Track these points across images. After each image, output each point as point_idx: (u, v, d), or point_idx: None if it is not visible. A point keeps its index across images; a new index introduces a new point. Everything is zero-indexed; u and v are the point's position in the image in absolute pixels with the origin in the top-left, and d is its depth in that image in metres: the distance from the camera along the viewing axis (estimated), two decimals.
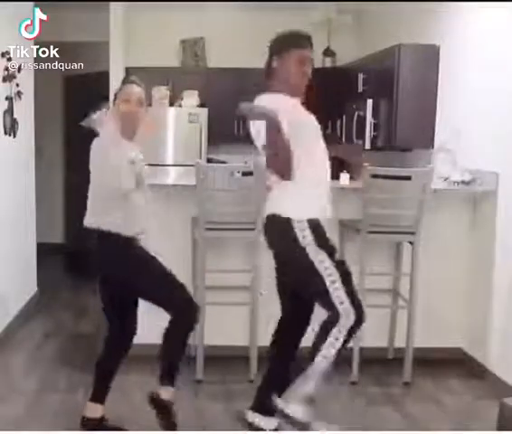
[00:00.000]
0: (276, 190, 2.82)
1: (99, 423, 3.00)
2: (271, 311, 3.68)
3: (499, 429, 2.53)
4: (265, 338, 3.72)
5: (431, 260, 3.90)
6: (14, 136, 4.68)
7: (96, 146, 2.82)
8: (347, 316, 2.65)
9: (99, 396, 3.02)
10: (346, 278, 2.71)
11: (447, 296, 4.09)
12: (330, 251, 2.73)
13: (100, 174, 2.80)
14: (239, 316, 3.89)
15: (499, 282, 3.80)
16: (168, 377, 2.89)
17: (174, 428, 2.86)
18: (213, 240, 3.75)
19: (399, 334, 4.01)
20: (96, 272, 2.99)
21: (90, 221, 2.88)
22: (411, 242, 3.77)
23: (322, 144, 2.80)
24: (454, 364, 4.05)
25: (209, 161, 5.96)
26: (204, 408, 3.41)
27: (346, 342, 2.69)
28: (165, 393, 2.85)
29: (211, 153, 6.28)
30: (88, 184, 2.89)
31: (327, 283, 2.66)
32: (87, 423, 3.00)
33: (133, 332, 3.05)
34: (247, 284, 3.75)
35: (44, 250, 5.74)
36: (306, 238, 2.68)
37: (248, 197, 3.59)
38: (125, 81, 2.97)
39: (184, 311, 2.87)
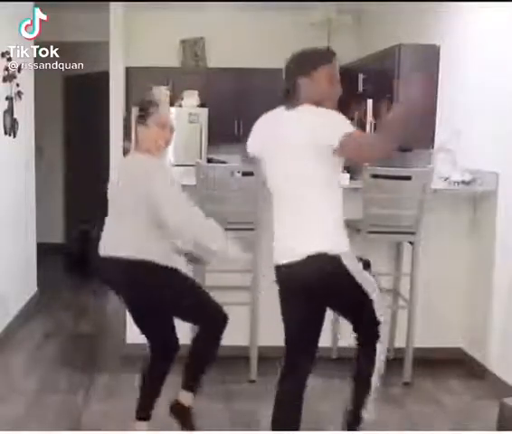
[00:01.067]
0: (300, 217, 2.52)
1: None
2: (271, 311, 3.69)
3: (499, 429, 2.53)
4: (265, 338, 3.74)
5: (431, 260, 3.89)
6: (14, 136, 4.67)
7: (148, 171, 2.75)
8: (385, 322, 2.62)
9: (144, 414, 2.95)
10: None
11: (447, 296, 4.08)
12: (367, 263, 2.63)
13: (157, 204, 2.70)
14: (239, 315, 3.88)
15: (499, 282, 3.80)
16: (193, 383, 2.94)
17: (193, 429, 2.93)
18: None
19: (399, 334, 4.01)
20: (129, 301, 2.92)
21: (126, 251, 2.74)
22: (411, 242, 3.78)
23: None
24: (454, 364, 4.05)
25: (209, 161, 5.97)
26: (204, 408, 3.40)
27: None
28: (186, 398, 2.92)
29: (211, 153, 6.28)
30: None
31: (375, 302, 2.56)
32: None
33: (177, 343, 2.98)
34: (247, 284, 3.75)
35: (44, 250, 5.74)
36: (354, 267, 2.50)
37: (248, 197, 3.59)
38: (148, 106, 2.89)
39: (213, 325, 2.90)
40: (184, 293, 2.87)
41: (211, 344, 2.94)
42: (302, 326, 2.62)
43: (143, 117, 2.85)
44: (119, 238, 2.80)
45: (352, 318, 2.66)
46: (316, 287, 2.51)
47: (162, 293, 2.79)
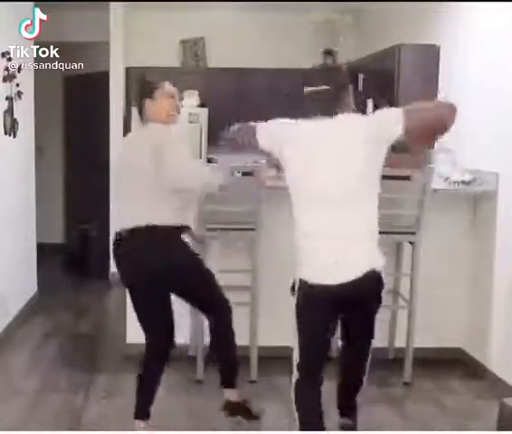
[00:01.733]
0: (352, 228, 2.44)
1: None
2: (271, 311, 3.69)
3: (499, 429, 2.52)
4: (265, 338, 3.74)
5: (431, 260, 3.89)
6: (14, 137, 4.68)
7: (167, 141, 2.81)
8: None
9: (142, 412, 2.93)
10: None
11: (447, 296, 4.08)
12: None
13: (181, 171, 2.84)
14: (239, 316, 3.89)
15: (499, 282, 3.80)
16: (229, 379, 3.04)
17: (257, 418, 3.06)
18: (213, 240, 3.75)
19: (399, 334, 4.01)
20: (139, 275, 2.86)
21: (147, 218, 2.78)
22: (411, 242, 3.77)
23: None
24: (454, 364, 4.05)
25: (209, 161, 5.96)
26: (204, 408, 3.40)
27: None
28: (232, 395, 3.04)
29: (211, 153, 6.28)
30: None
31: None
32: None
33: (173, 339, 2.98)
34: (247, 284, 3.74)
35: (44, 250, 5.74)
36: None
37: (248, 197, 3.59)
38: (153, 82, 2.93)
39: (223, 314, 3.00)
40: (201, 273, 2.95)
41: (229, 333, 3.02)
42: (327, 336, 2.61)
43: (149, 92, 2.87)
44: (140, 210, 2.80)
45: (364, 327, 2.72)
46: (361, 303, 2.55)
47: (183, 264, 2.87)
